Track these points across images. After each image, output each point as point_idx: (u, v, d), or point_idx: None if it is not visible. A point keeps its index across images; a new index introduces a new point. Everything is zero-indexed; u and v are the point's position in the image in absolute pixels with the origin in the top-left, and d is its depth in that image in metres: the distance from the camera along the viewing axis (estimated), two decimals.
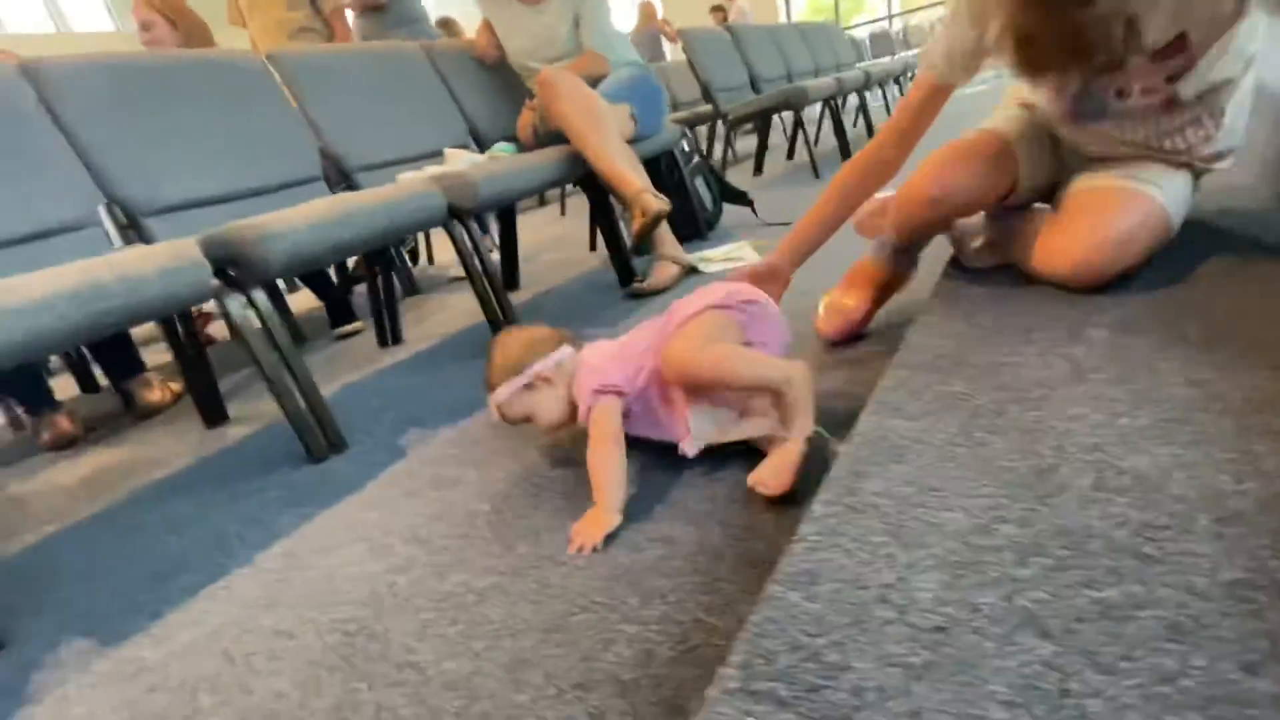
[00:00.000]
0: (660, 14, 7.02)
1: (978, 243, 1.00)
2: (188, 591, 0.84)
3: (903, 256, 1.07)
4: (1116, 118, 0.85)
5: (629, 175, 1.53)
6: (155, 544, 0.99)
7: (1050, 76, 0.84)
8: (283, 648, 0.70)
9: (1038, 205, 0.96)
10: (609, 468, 0.79)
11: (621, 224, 1.89)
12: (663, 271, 1.74)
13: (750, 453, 0.81)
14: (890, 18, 11.29)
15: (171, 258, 0.96)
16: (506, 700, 0.57)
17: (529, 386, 0.88)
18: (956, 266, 1.00)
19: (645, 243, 1.71)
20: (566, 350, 0.90)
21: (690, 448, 0.81)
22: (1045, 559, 0.39)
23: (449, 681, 0.60)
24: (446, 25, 4.01)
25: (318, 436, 1.16)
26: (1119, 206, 0.80)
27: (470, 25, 3.75)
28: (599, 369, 0.86)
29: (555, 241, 2.99)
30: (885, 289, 1.13)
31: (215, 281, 1.04)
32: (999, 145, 0.90)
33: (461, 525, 0.85)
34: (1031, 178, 0.92)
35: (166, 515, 1.08)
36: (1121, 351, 0.61)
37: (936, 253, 1.08)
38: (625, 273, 1.88)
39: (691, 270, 1.85)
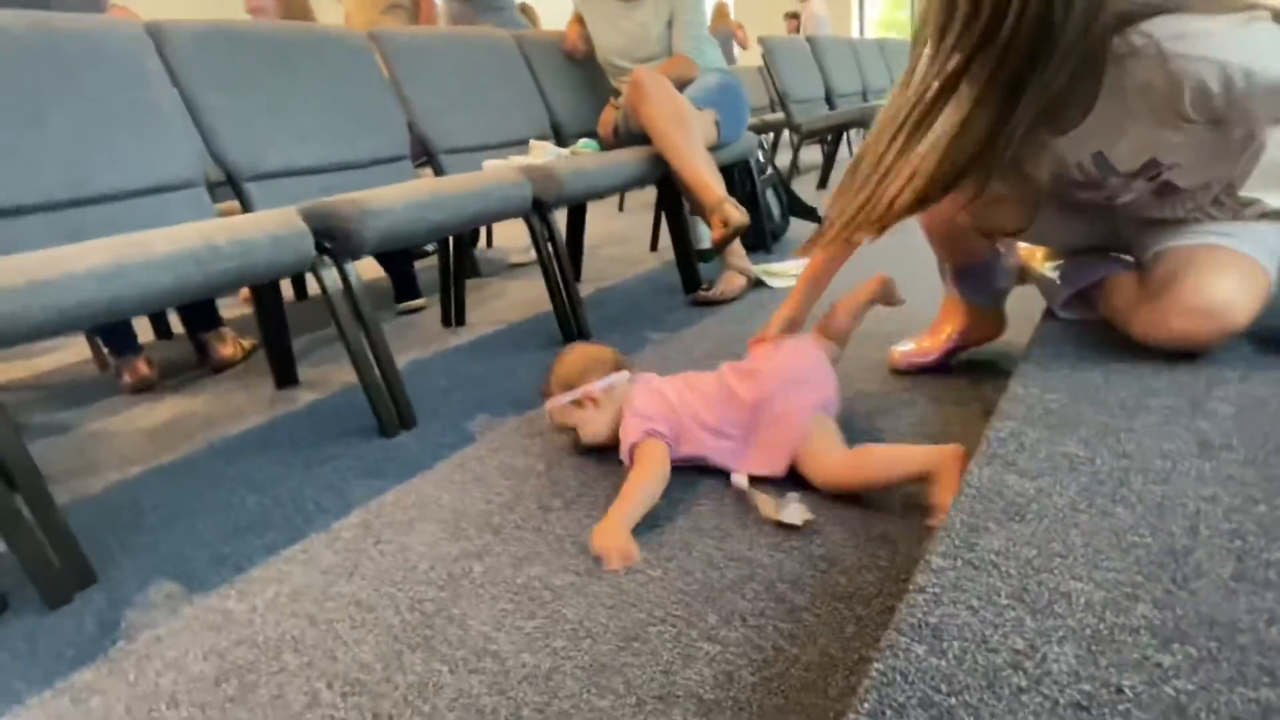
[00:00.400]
0: (733, 15, 6.97)
1: (1064, 295, 0.97)
2: (269, 550, 0.88)
3: (969, 285, 1.09)
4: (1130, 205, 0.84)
5: (711, 183, 1.53)
6: (235, 499, 1.03)
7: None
8: (364, 619, 0.72)
9: (1117, 256, 0.94)
10: (645, 487, 0.82)
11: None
12: (730, 282, 1.74)
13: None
14: None
15: (281, 226, 1.00)
16: (587, 703, 0.58)
17: (577, 403, 0.95)
18: (1052, 318, 0.98)
19: (716, 252, 1.71)
20: (621, 375, 0.97)
21: (741, 480, 0.85)
22: (1190, 648, 0.38)
23: (528, 675, 0.62)
24: (525, 11, 4.05)
25: (390, 411, 1.19)
26: (1210, 270, 0.77)
27: (545, 13, 3.78)
28: (647, 417, 0.90)
29: (615, 237, 3.01)
30: (966, 331, 1.12)
31: (315, 252, 1.07)
32: None
33: (534, 518, 0.87)
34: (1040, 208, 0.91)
35: (245, 472, 1.12)
36: (1251, 430, 0.59)
37: (1029, 306, 1.06)
38: (690, 278, 1.88)
39: (757, 283, 1.84)
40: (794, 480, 0.85)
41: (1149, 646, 0.39)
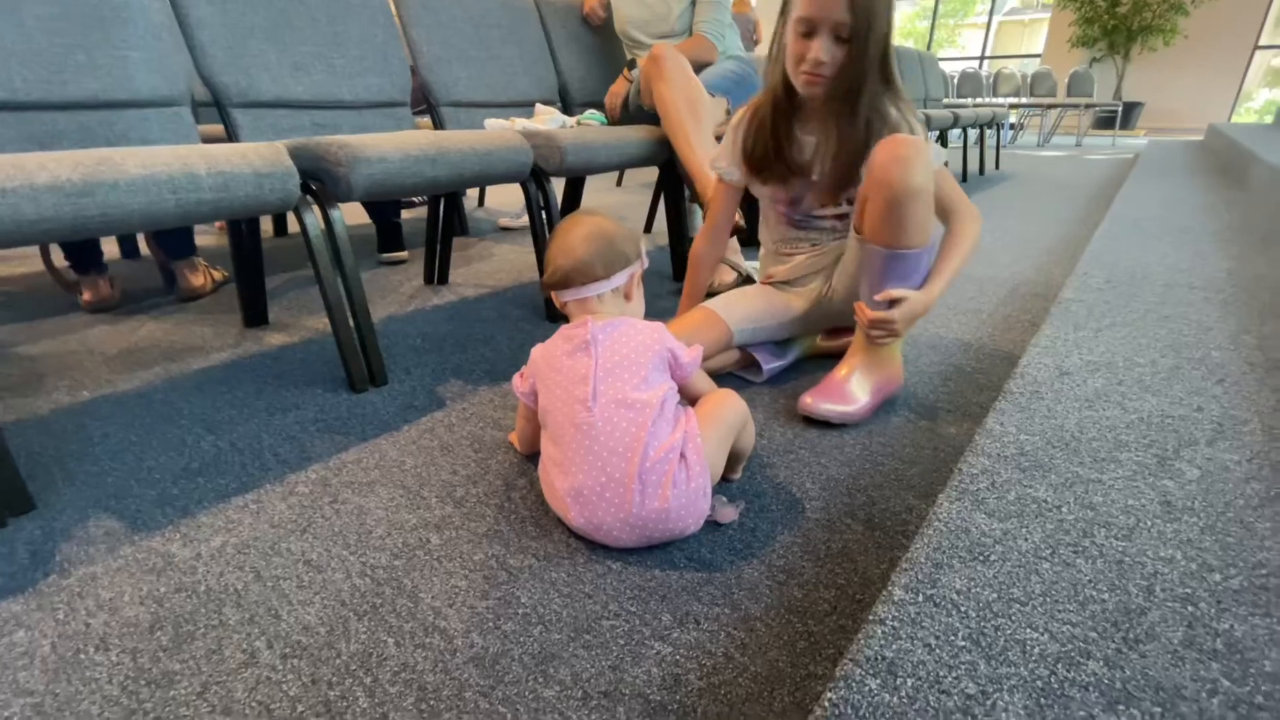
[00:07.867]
0: (754, 2, 6.83)
1: (766, 374, 1.23)
2: (219, 495, 0.85)
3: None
4: (815, 228, 1.18)
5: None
6: (190, 438, 0.99)
7: (768, 180, 1.15)
8: (311, 579, 0.70)
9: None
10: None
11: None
12: (721, 275, 1.72)
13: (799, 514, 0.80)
14: (982, 59, 11.00)
15: (267, 162, 0.95)
16: (532, 692, 0.57)
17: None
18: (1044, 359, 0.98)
19: None
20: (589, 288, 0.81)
21: None
22: (1135, 711, 0.39)
23: (475, 657, 0.61)
24: None
25: (361, 365, 1.16)
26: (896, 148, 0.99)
27: None
28: (523, 372, 0.83)
29: (610, 212, 2.96)
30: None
31: (300, 193, 1.03)
32: (707, 315, 1.19)
33: (498, 495, 0.85)
34: (738, 321, 1.18)
35: (202, 411, 1.08)
36: (1213, 497, 0.60)
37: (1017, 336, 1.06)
38: (682, 266, 1.86)
39: (747, 279, 1.83)
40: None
41: (1096, 705, 0.39)
